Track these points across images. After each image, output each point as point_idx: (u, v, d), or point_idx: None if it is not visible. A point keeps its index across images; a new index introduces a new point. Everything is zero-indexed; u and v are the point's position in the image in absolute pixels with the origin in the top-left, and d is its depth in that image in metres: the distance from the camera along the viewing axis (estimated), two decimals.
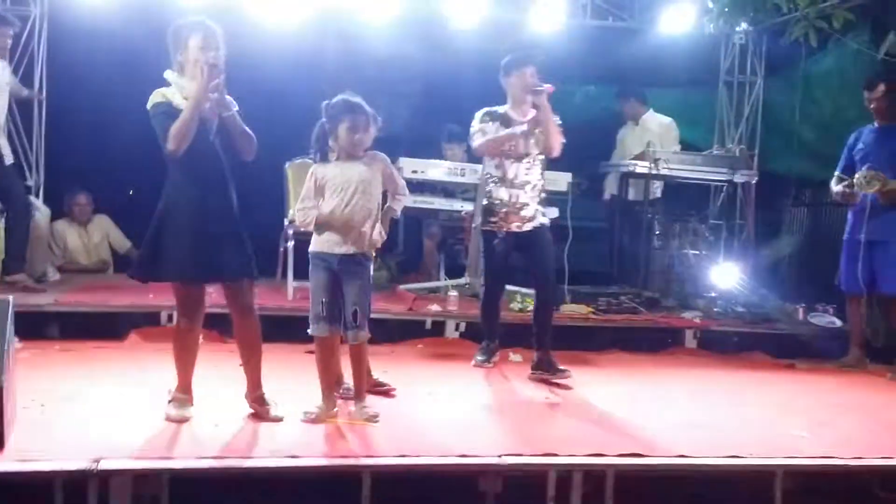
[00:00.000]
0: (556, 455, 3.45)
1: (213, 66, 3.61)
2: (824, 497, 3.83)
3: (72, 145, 7.48)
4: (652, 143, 6.93)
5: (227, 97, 3.72)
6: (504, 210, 5.01)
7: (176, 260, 3.62)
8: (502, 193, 5.02)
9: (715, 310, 6.69)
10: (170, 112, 3.60)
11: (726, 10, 6.67)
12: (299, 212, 3.87)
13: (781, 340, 6.33)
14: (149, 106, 3.66)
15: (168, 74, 3.73)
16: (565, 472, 3.40)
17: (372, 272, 3.99)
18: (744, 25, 7.29)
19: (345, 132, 3.78)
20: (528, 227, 5.02)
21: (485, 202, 5.15)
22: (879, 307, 5.94)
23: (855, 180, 5.67)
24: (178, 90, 3.68)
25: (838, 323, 6.43)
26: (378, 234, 3.86)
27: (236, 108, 3.76)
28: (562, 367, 4.91)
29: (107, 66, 7.37)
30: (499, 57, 5.21)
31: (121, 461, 3.08)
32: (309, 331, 3.87)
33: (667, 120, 7.61)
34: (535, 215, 5.05)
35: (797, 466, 3.64)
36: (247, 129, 3.74)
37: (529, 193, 5.03)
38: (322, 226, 3.80)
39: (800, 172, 7.70)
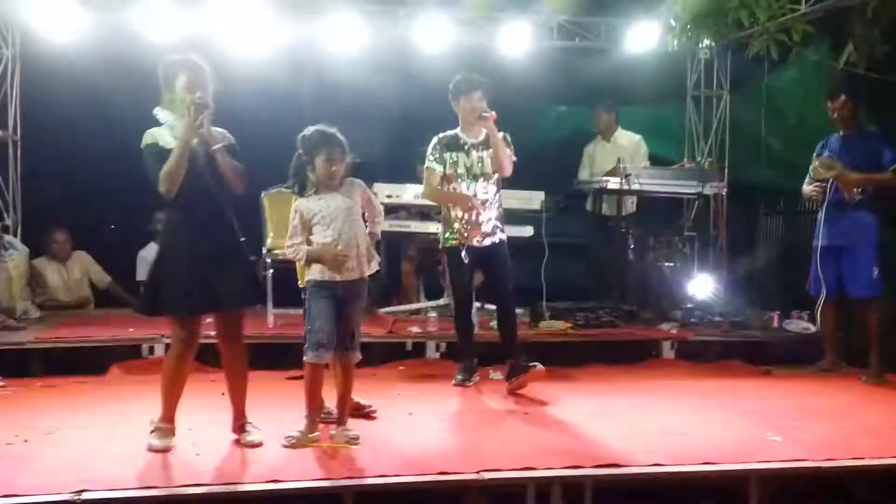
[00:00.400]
0: (534, 469, 3.51)
1: (199, 105, 3.68)
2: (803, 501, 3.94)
3: (48, 183, 7.54)
4: (622, 160, 7.04)
5: (221, 130, 3.81)
6: (463, 226, 5.19)
7: (174, 295, 3.71)
8: (460, 211, 5.20)
9: (692, 320, 6.79)
10: (159, 154, 3.68)
11: (688, 27, 6.77)
12: (290, 249, 3.92)
13: (757, 348, 6.45)
14: (141, 146, 3.75)
15: (158, 112, 3.81)
16: (544, 485, 3.47)
17: None
18: (706, 42, 7.42)
19: (321, 164, 3.85)
20: (487, 241, 5.23)
21: (445, 220, 5.32)
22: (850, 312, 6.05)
23: (812, 169, 5.83)
24: (168, 129, 3.76)
25: (812, 328, 6.52)
26: (375, 262, 3.99)
27: (229, 141, 3.82)
28: (531, 364, 5.08)
29: (80, 104, 7.45)
30: None
31: (104, 492, 3.12)
32: (306, 358, 3.89)
33: (636, 137, 7.74)
34: (494, 231, 5.25)
35: (770, 470, 3.71)
36: (234, 162, 3.79)
37: (487, 210, 5.21)
38: (314, 260, 3.86)
39: (769, 182, 7.82)
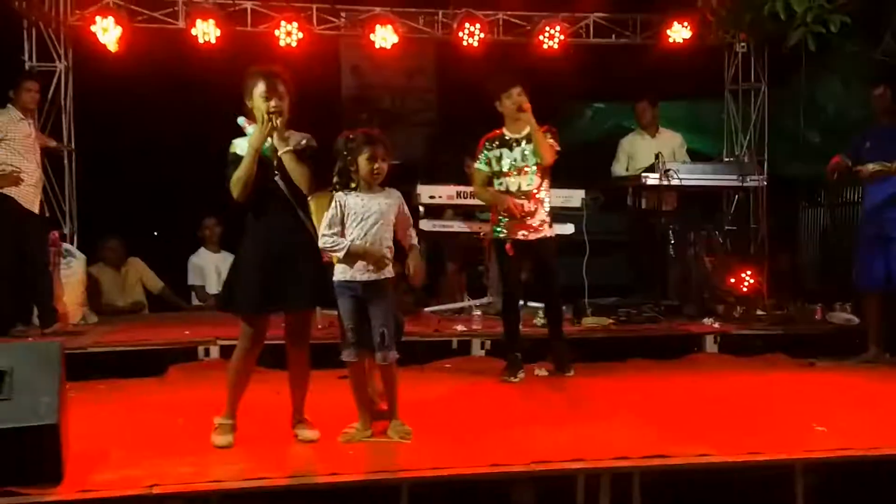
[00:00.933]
0: (582, 460, 3.62)
1: (272, 113, 3.84)
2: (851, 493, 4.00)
3: (102, 192, 7.80)
4: (661, 155, 7.09)
5: (303, 135, 3.97)
6: (510, 220, 5.38)
7: (244, 294, 3.88)
8: (508, 204, 5.36)
9: (734, 314, 6.83)
10: (236, 161, 3.87)
11: (725, 20, 6.82)
12: (326, 240, 4.04)
13: (801, 341, 6.45)
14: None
15: (240, 120, 3.99)
16: (593, 476, 3.58)
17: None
18: (743, 36, 7.47)
19: (364, 162, 3.97)
20: (533, 236, 5.39)
21: (496, 216, 5.49)
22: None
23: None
24: (248, 138, 3.93)
25: (856, 320, 6.55)
26: (416, 269, 4.12)
27: (306, 143, 3.95)
28: (569, 368, 5.46)
29: (130, 114, 7.70)
30: None
31: (173, 486, 3.29)
32: (341, 357, 4.05)
33: (678, 135, 7.79)
34: (542, 226, 5.42)
35: (815, 459, 3.77)
36: (301, 167, 3.89)
37: (534, 203, 5.38)
38: (357, 255, 3.96)
39: (809, 175, 7.84)
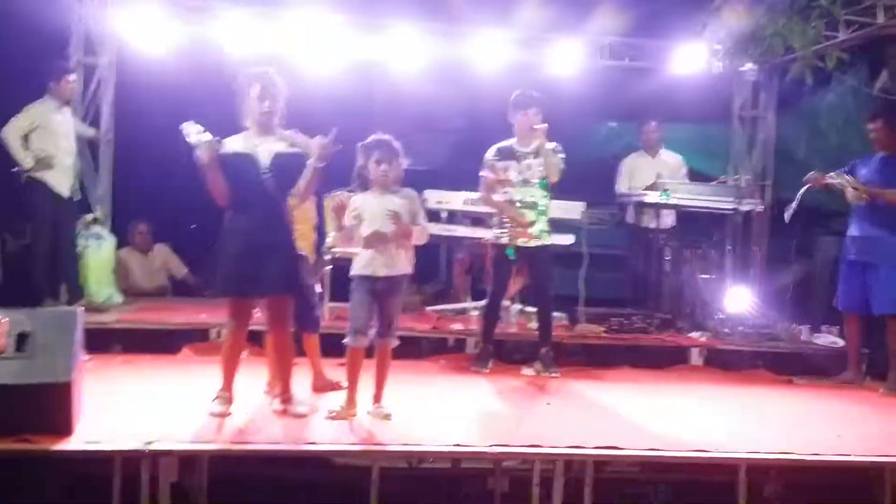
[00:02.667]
0: (540, 446, 3.97)
1: (267, 113, 4.23)
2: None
3: (135, 181, 8.24)
4: (661, 175, 7.41)
5: (291, 134, 4.36)
6: (513, 227, 5.81)
7: (225, 278, 4.29)
8: (513, 212, 5.82)
9: (724, 331, 7.10)
10: (221, 160, 4.20)
11: (731, 51, 7.12)
12: (335, 236, 4.45)
13: (784, 359, 6.73)
14: None
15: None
16: (548, 462, 3.93)
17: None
18: (749, 65, 7.76)
19: (373, 165, 4.36)
20: (533, 243, 5.83)
21: (497, 220, 5.96)
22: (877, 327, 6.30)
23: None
24: (241, 137, 4.30)
25: (840, 343, 6.78)
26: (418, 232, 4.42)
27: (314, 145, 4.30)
28: (554, 369, 5.83)
29: (166, 109, 8.06)
30: None
31: (169, 443, 3.70)
32: (346, 341, 4.39)
33: (678, 156, 8.11)
34: (542, 235, 5.87)
35: (758, 460, 4.09)
36: (304, 184, 4.29)
37: (535, 213, 5.83)
38: (362, 250, 4.34)
39: (811, 200, 8.06)
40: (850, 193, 6.11)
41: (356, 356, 4.42)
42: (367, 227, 4.34)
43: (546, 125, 5.72)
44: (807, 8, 6.67)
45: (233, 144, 4.29)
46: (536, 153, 5.81)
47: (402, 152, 4.44)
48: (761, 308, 7.39)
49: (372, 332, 4.40)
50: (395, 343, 4.47)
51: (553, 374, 5.82)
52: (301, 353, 4.94)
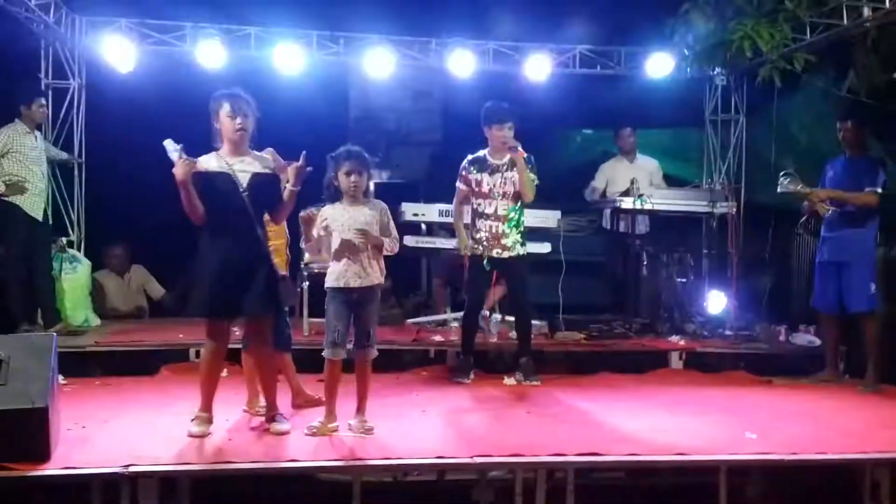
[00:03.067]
0: (521, 455, 3.97)
1: (240, 131, 4.24)
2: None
3: (109, 203, 8.20)
4: (636, 180, 7.46)
5: (262, 154, 4.34)
6: (486, 239, 5.85)
7: (202, 299, 4.24)
8: (484, 224, 5.87)
9: (704, 333, 7.15)
10: (195, 180, 4.18)
11: (700, 56, 7.19)
12: (306, 248, 4.44)
13: (763, 360, 6.78)
14: None
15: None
16: (530, 470, 3.93)
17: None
18: (718, 70, 7.84)
19: (343, 176, 4.35)
20: (506, 254, 5.86)
21: (472, 232, 5.97)
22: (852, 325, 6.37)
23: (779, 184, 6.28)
24: (213, 156, 4.29)
25: (818, 342, 6.84)
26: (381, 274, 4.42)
27: (270, 163, 4.33)
28: (536, 378, 5.86)
29: (138, 129, 8.07)
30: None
31: (148, 465, 3.66)
32: (324, 354, 4.38)
33: (654, 161, 8.18)
34: (515, 245, 5.89)
35: (738, 462, 4.12)
36: (285, 204, 4.34)
37: (507, 225, 5.86)
38: (333, 262, 4.34)
39: (781, 202, 8.15)
40: (819, 207, 6.24)
41: (333, 369, 4.41)
42: (336, 239, 4.34)
43: (519, 145, 5.73)
44: (773, 11, 6.76)
45: (206, 163, 4.28)
46: (509, 166, 5.83)
47: (372, 164, 4.46)
48: (739, 310, 7.46)
49: (350, 344, 4.39)
50: (373, 354, 4.46)
51: (534, 383, 5.83)
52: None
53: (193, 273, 4.30)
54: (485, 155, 5.93)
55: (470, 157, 5.97)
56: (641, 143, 8.44)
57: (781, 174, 6.25)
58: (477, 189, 5.89)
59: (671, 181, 8.37)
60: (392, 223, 4.56)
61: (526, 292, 6.03)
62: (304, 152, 4.30)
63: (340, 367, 4.43)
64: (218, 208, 4.23)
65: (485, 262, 5.88)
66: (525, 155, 5.76)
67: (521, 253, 5.93)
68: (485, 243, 5.88)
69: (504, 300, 6.85)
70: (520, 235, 5.93)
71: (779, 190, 6.27)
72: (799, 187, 6.17)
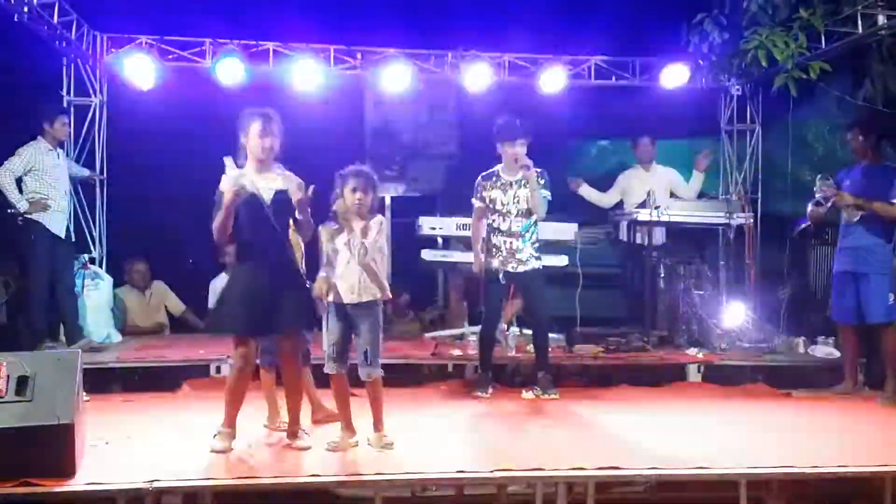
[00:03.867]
0: (541, 469, 3.98)
1: (268, 149, 4.29)
2: None
3: (131, 219, 8.30)
4: (652, 192, 7.47)
5: (290, 176, 4.34)
6: (502, 254, 5.86)
7: (234, 317, 4.31)
8: (499, 240, 5.89)
9: (722, 346, 7.13)
10: (218, 202, 4.24)
11: (715, 66, 7.21)
12: (320, 279, 4.45)
13: (782, 372, 6.74)
14: None
15: (227, 160, 4.31)
16: (550, 484, 3.94)
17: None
18: (733, 80, 7.86)
19: (349, 194, 4.38)
20: (521, 269, 5.88)
21: (487, 246, 5.97)
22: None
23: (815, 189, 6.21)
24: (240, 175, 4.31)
25: (837, 354, 6.81)
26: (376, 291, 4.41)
27: (301, 194, 4.29)
28: (553, 391, 5.82)
29: (158, 146, 8.21)
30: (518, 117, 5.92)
31: (172, 481, 3.71)
32: (325, 370, 4.46)
33: (672, 170, 8.17)
34: (529, 259, 5.90)
35: (758, 475, 4.11)
36: (306, 216, 4.32)
37: (522, 241, 5.88)
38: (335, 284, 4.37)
39: (799, 212, 8.13)
40: (846, 212, 6.19)
41: (337, 383, 4.45)
42: (341, 260, 4.36)
43: (531, 163, 5.77)
44: (788, 20, 6.79)
45: (223, 186, 4.30)
46: (522, 182, 5.86)
47: (377, 183, 4.47)
48: (757, 322, 7.44)
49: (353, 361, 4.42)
50: (377, 373, 4.40)
51: (552, 397, 5.82)
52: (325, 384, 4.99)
53: (227, 292, 4.40)
54: (498, 171, 5.97)
55: (484, 173, 6.00)
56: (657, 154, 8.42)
57: (819, 176, 6.21)
58: (491, 205, 5.94)
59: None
60: (382, 239, 4.47)
61: (542, 306, 6.05)
62: (312, 186, 4.31)
63: (345, 382, 4.46)
64: (245, 226, 4.29)
65: (500, 276, 5.89)
66: (537, 172, 5.80)
67: (536, 267, 5.94)
68: (500, 258, 5.91)
69: (520, 313, 6.86)
70: (534, 249, 5.95)
71: (815, 189, 6.20)
72: (833, 189, 6.13)
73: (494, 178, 5.95)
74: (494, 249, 5.93)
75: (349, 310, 4.38)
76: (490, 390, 5.92)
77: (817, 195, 6.21)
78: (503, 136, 5.88)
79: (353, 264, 4.34)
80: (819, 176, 6.22)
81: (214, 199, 4.29)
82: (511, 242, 5.88)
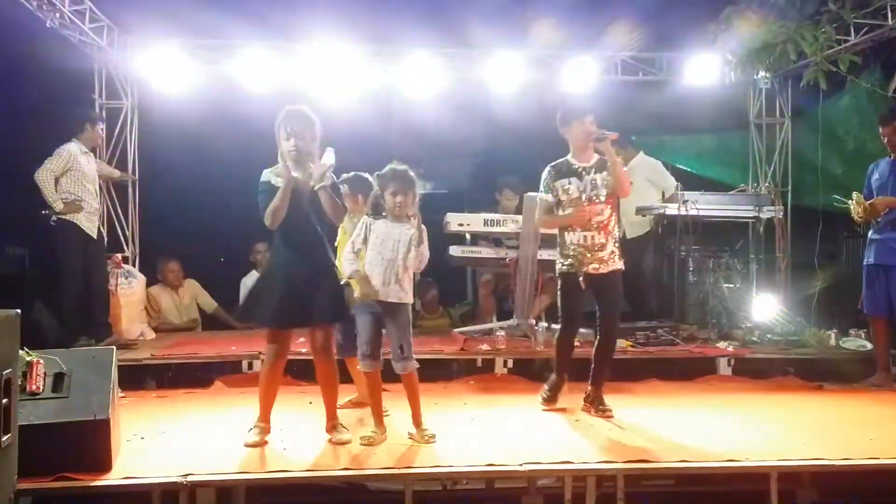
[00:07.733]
0: (570, 462, 4.00)
1: (292, 152, 4.33)
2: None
3: (163, 219, 8.43)
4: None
5: (325, 172, 4.39)
6: (580, 252, 5.18)
7: (268, 308, 4.36)
8: (577, 237, 5.17)
9: (752, 339, 7.09)
10: (268, 190, 4.33)
11: (743, 60, 7.17)
12: (345, 261, 4.51)
13: (813, 365, 6.70)
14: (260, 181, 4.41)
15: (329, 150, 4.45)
16: (580, 478, 3.96)
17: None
18: (762, 73, 7.80)
19: (389, 196, 4.45)
20: (603, 269, 5.16)
21: (560, 247, 5.29)
22: None
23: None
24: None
25: (868, 346, 6.75)
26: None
27: (331, 181, 4.39)
28: (606, 406, 5.20)
29: (189, 147, 8.33)
30: (544, 113, 5.78)
31: (206, 475, 3.77)
32: (359, 367, 4.53)
33: (651, 160, 8.02)
34: (611, 258, 5.19)
35: (790, 468, 4.10)
36: (335, 199, 4.39)
37: (604, 235, 5.16)
38: (360, 280, 4.39)
39: (829, 205, 8.07)
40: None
41: (371, 379, 4.52)
42: (367, 255, 4.42)
43: (615, 134, 5.06)
44: (816, 13, 6.73)
45: (273, 178, 4.37)
46: (598, 167, 5.19)
47: (416, 182, 4.52)
48: (788, 315, 7.39)
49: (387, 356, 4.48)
50: (412, 366, 4.45)
51: (607, 414, 5.16)
52: (348, 378, 5.11)
53: (263, 282, 4.47)
54: (567, 159, 5.25)
55: (551, 163, 5.28)
56: (685, 147, 8.40)
57: (853, 196, 6.30)
58: (565, 197, 5.20)
59: (714, 186, 8.31)
60: (426, 243, 4.54)
61: (617, 312, 5.30)
62: (330, 149, 4.42)
63: (378, 377, 4.52)
64: (286, 220, 4.33)
65: (580, 279, 5.15)
66: (616, 136, 5.07)
67: (616, 267, 5.21)
68: (578, 258, 5.16)
69: (549, 308, 6.87)
70: (615, 247, 5.22)
71: (850, 209, 6.28)
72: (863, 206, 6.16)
73: (565, 167, 5.22)
74: (571, 249, 5.19)
75: (381, 307, 4.41)
76: (559, 401, 5.39)
77: (854, 217, 6.24)
78: (570, 116, 5.18)
79: (385, 262, 4.38)
80: (854, 196, 6.25)
81: (260, 190, 4.35)
82: (592, 237, 5.13)
